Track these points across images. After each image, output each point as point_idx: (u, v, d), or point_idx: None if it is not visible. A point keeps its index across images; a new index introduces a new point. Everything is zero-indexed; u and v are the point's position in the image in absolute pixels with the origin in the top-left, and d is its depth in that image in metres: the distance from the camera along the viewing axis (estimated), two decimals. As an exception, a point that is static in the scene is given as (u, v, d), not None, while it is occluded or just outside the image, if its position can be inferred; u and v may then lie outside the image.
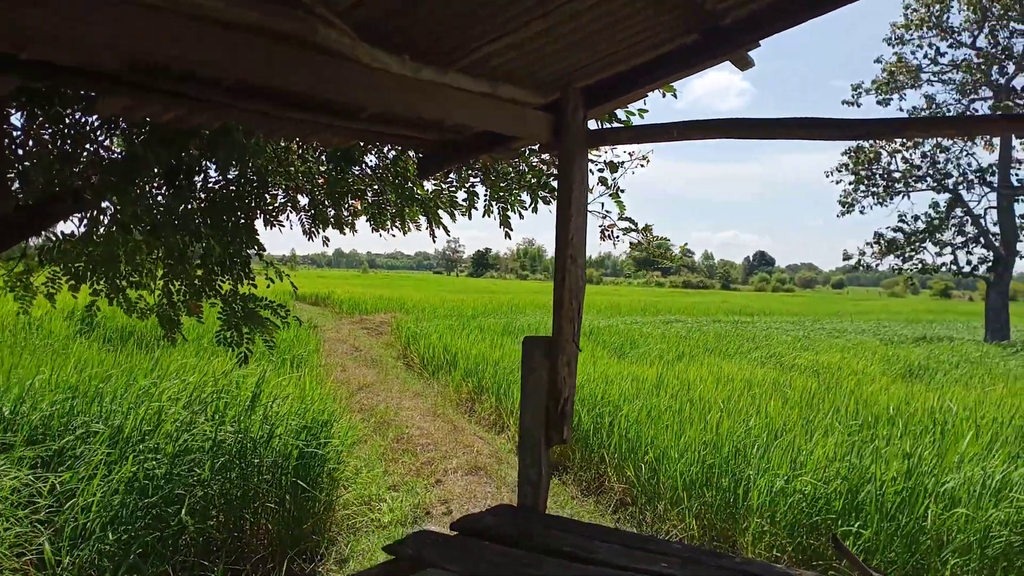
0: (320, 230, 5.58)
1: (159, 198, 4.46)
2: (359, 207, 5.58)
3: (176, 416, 5.51)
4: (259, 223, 4.89)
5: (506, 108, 2.96)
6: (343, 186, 5.25)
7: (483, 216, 5.06)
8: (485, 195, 5.01)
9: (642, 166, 4.50)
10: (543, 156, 4.63)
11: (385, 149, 5.04)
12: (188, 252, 4.55)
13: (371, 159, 5.21)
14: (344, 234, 5.59)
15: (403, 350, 17.00)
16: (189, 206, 4.40)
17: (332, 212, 5.51)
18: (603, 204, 4.49)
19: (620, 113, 3.78)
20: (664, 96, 3.72)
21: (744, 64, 2.93)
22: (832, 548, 5.07)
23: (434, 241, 5.38)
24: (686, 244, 5.27)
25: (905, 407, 8.00)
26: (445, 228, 5.32)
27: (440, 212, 5.22)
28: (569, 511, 6.99)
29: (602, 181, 4.52)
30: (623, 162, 4.46)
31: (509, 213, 4.96)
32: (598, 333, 18.01)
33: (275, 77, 2.33)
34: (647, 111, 3.76)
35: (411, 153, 4.73)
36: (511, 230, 4.98)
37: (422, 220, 5.43)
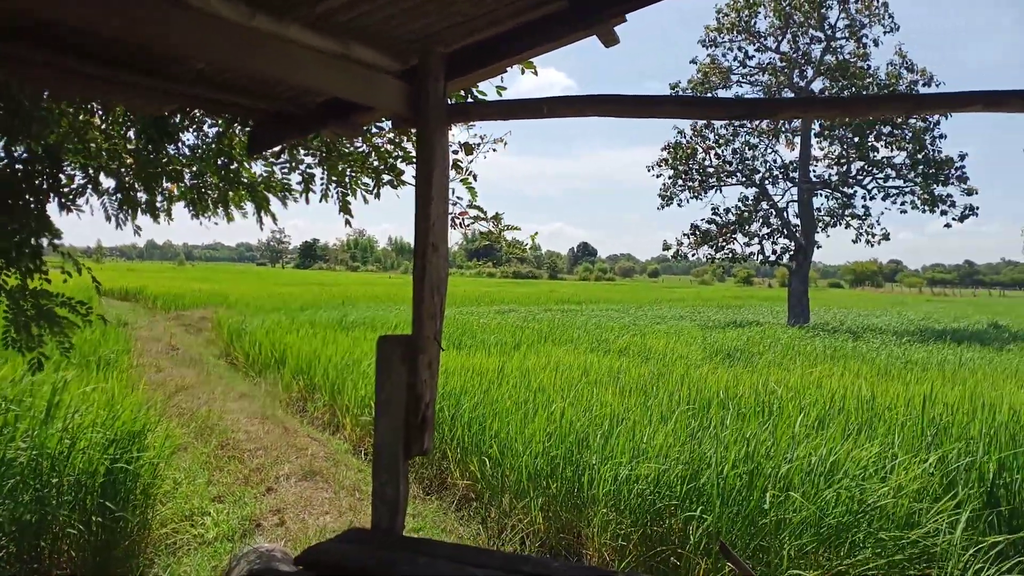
0: (129, 217, 4.87)
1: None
2: (175, 191, 4.93)
3: (-52, 435, 4.67)
4: (53, 208, 4.16)
5: (357, 72, 2.58)
6: (156, 166, 4.60)
7: (320, 201, 4.61)
8: (322, 178, 4.55)
9: (494, 150, 4.25)
10: (389, 135, 4.25)
11: (206, 126, 4.46)
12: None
13: (189, 136, 4.60)
14: (158, 222, 4.91)
15: (226, 348, 15.92)
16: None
17: (144, 197, 4.83)
18: (454, 190, 4.18)
19: (482, 91, 3.52)
20: (523, 73, 3.48)
21: (610, 39, 2.74)
22: (721, 555, 5.09)
23: (261, 229, 4.85)
24: (536, 234, 5.10)
25: (734, 390, 8.35)
26: (273, 215, 4.80)
27: (270, 197, 4.70)
28: (412, 511, 6.70)
29: (455, 165, 4.21)
30: (478, 144, 4.18)
31: (350, 198, 4.55)
32: (434, 325, 17.72)
33: (66, 12, 1.81)
34: (505, 88, 3.52)
35: (237, 129, 4.19)
36: (351, 216, 4.57)
37: (248, 206, 4.88)
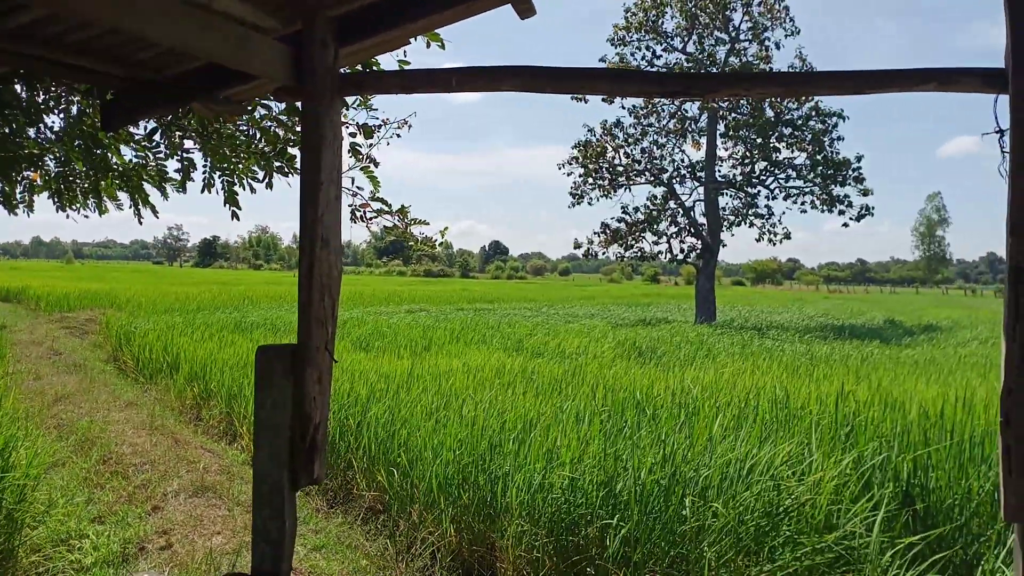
0: (-20, 210, 4.25)
1: None
2: (37, 180, 4.33)
3: None
4: None
5: (228, 30, 2.15)
6: (12, 151, 4.00)
7: (202, 192, 4.11)
8: (205, 165, 4.05)
9: (398, 135, 3.86)
10: (280, 117, 3.79)
11: (73, 107, 3.89)
12: None
13: (55, 120, 4.02)
14: (15, 214, 4.31)
15: (114, 352, 14.91)
16: None
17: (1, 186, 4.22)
18: (353, 179, 3.79)
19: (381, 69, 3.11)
20: (428, 47, 3.12)
21: (526, 8, 2.42)
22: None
23: (140, 223, 4.32)
24: (447, 228, 4.74)
25: (649, 391, 8.23)
26: (153, 208, 4.27)
27: (146, 186, 4.17)
28: (314, 526, 6.27)
29: (353, 151, 3.80)
30: (379, 126, 3.78)
31: (236, 188, 4.06)
32: (341, 325, 17.15)
33: None
34: (408, 63, 3.15)
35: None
36: (239, 209, 4.08)
37: (123, 197, 4.33)
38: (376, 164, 3.75)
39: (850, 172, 29.04)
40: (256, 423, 2.28)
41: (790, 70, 28.96)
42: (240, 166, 3.97)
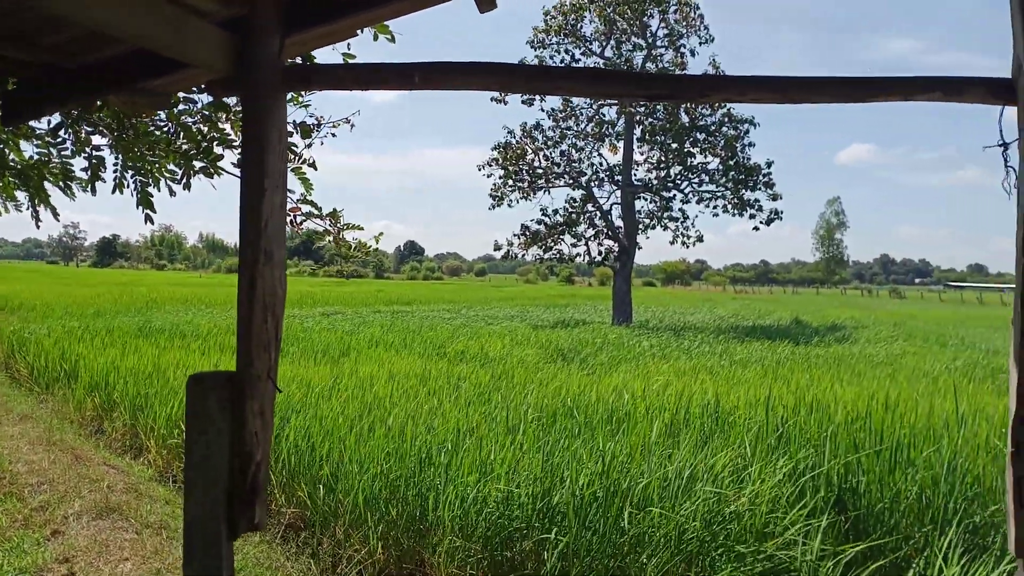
0: None
1: None
2: (-81, 175, 3.85)
3: None
4: None
5: (158, 7, 1.86)
6: None
7: (113, 192, 3.73)
8: (116, 164, 3.67)
9: (333, 135, 3.59)
10: (203, 111, 3.46)
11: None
12: None
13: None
14: None
15: (6, 360, 13.89)
16: None
17: None
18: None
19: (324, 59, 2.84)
20: (376, 39, 2.87)
21: (486, 1, 2.23)
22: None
23: (38, 226, 3.88)
24: (381, 234, 4.48)
25: (580, 397, 8.15)
26: (54, 210, 3.85)
27: (48, 187, 3.75)
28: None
29: (288, 150, 3.50)
30: (317, 124, 3.49)
31: (151, 189, 3.70)
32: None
33: None
34: (355, 57, 2.89)
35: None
36: (154, 212, 3.73)
37: (22, 197, 3.89)
38: (315, 167, 3.47)
39: (760, 177, 29.95)
40: (187, 464, 1.98)
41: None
42: (156, 165, 3.61)
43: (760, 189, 30.04)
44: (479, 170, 31.85)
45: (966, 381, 12.37)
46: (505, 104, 31.06)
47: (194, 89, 2.38)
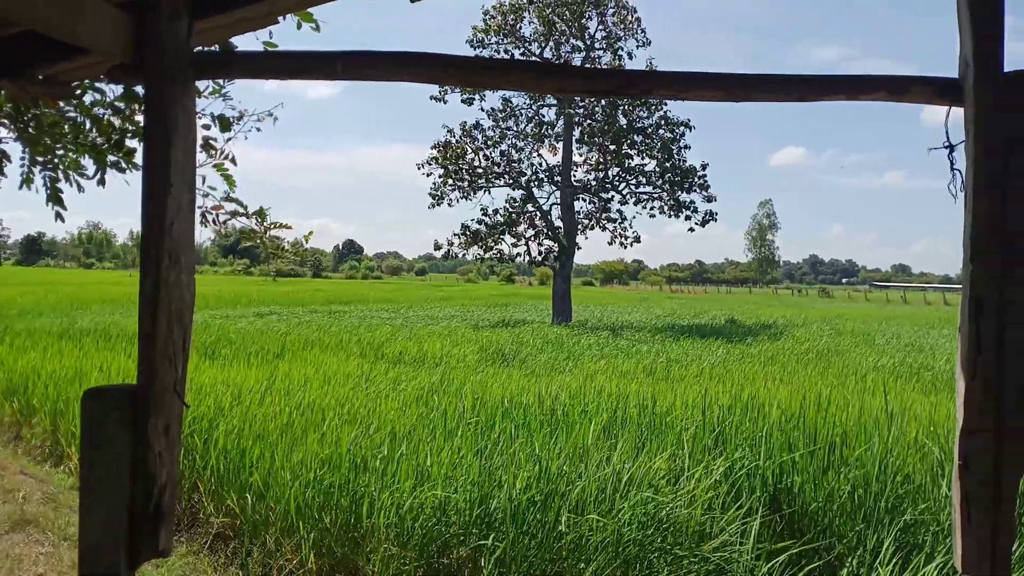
0: None
1: None
2: None
3: None
4: None
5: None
6: None
7: (20, 188, 3.48)
8: (22, 158, 3.41)
9: (257, 129, 3.41)
10: (117, 103, 3.23)
11: None
12: None
13: None
14: None
15: (-88, 364, 13.10)
16: None
17: None
18: (204, 178, 3.29)
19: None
20: (299, 28, 2.70)
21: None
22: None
23: (-64, 222, 3.59)
24: (311, 233, 4.31)
25: (519, 399, 8.08)
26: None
27: (-54, 180, 3.48)
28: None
29: (207, 145, 3.30)
30: (239, 117, 3.30)
31: (62, 185, 3.46)
32: (184, 331, 15.94)
33: None
34: (276, 46, 2.72)
35: None
36: (64, 208, 3.48)
37: (-84, 191, 3.60)
38: (234, 162, 3.28)
39: (696, 179, 30.45)
40: (83, 487, 1.78)
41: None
42: (66, 160, 3.37)
43: (695, 191, 30.55)
44: (419, 169, 31.59)
45: (893, 379, 12.75)
46: (445, 103, 30.89)
47: (102, 77, 2.20)
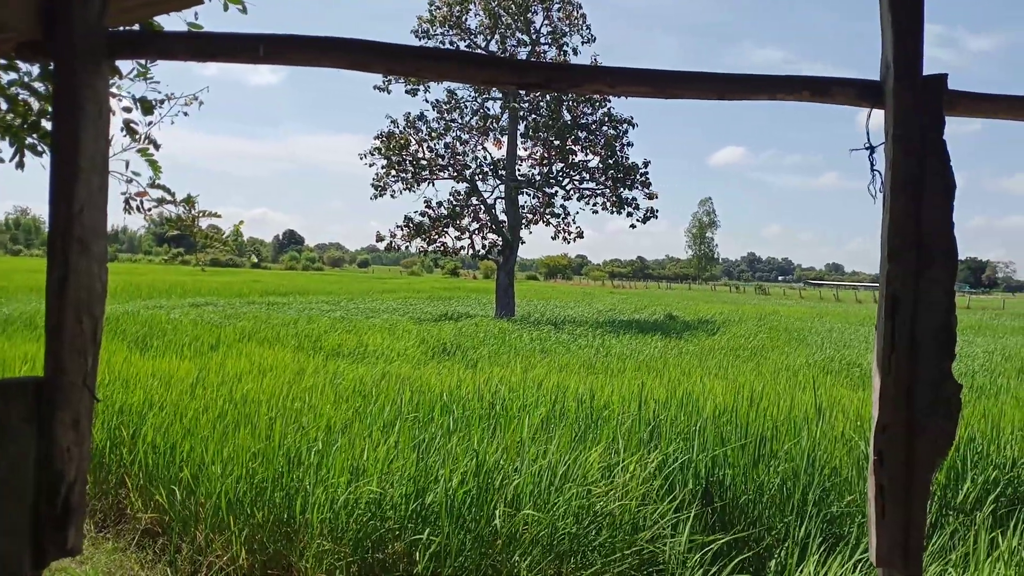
0: None
1: None
2: None
3: None
4: None
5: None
6: None
7: (-72, 170, 3.29)
8: (-69, 138, 3.23)
9: (185, 113, 3.30)
10: (33, 84, 3.08)
11: None
12: None
13: None
14: None
15: None
16: None
17: None
18: (128, 163, 3.17)
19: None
20: (226, 9, 2.61)
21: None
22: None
23: None
24: (242, 223, 4.20)
25: (457, 393, 8.05)
26: None
27: None
28: (78, 556, 5.45)
29: (128, 129, 3.18)
30: (162, 100, 3.19)
31: (-25, 167, 3.29)
32: (115, 322, 15.44)
33: None
34: (201, 27, 2.63)
35: None
36: (-22, 193, 3.33)
37: None
38: (157, 146, 3.17)
39: (638, 176, 30.80)
40: (-17, 484, 1.71)
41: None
42: (-22, 141, 3.20)
43: (637, 188, 30.90)
44: (361, 159, 31.19)
45: (823, 374, 13.12)
46: (389, 93, 30.57)
47: (12, 55, 2.08)
